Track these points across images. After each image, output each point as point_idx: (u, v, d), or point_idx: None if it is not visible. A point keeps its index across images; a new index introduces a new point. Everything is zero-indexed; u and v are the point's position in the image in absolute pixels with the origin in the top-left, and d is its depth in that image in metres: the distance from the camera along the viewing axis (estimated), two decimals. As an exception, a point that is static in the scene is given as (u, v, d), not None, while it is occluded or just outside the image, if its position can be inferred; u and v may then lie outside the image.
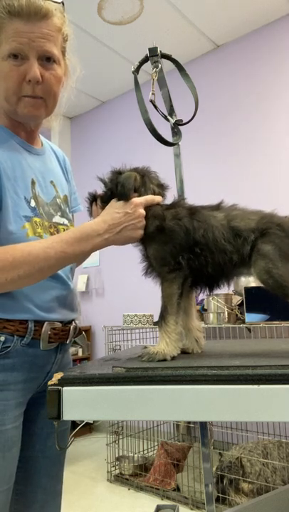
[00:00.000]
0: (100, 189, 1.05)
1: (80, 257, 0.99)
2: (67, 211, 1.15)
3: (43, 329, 1.00)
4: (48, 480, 1.09)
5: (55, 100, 1.04)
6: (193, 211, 0.96)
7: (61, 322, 1.06)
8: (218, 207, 0.98)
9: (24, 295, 0.96)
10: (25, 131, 1.07)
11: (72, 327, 1.11)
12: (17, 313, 0.96)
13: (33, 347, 0.99)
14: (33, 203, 1.01)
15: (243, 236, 0.90)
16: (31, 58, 0.94)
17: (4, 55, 0.94)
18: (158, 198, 1.00)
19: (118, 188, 0.97)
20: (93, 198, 1.05)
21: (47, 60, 0.97)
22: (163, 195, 1.04)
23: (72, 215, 1.23)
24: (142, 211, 0.96)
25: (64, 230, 1.08)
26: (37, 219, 1.01)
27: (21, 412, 0.99)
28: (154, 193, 1.01)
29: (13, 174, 0.98)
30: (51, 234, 1.04)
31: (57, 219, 1.09)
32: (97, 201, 1.04)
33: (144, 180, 1.01)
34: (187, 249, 0.93)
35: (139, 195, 0.99)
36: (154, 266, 0.96)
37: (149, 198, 0.98)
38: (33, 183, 1.03)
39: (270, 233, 0.89)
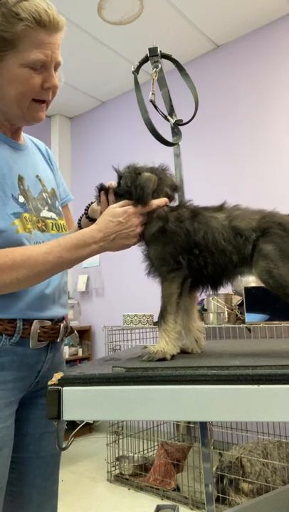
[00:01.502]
0: (100, 187, 1.05)
1: (75, 263, 1.01)
2: (56, 204, 1.16)
3: (32, 328, 1.00)
4: (44, 481, 1.09)
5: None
6: (196, 213, 0.96)
7: (51, 320, 1.06)
8: (220, 208, 0.98)
9: (12, 293, 0.96)
10: (11, 130, 1.08)
11: (62, 325, 1.10)
12: (5, 312, 0.96)
13: (23, 346, 0.99)
14: (21, 199, 1.02)
15: (244, 236, 0.90)
16: (51, 68, 0.98)
17: (26, 62, 0.95)
18: (157, 202, 0.99)
19: (137, 190, 0.97)
20: (105, 189, 1.05)
21: (55, 68, 1.01)
22: (172, 197, 1.04)
23: (67, 206, 1.26)
24: (136, 220, 0.97)
25: (52, 224, 1.10)
26: (26, 214, 1.02)
27: (12, 411, 0.99)
28: (167, 195, 1.02)
29: (0, 172, 0.99)
30: (39, 228, 1.05)
31: (44, 213, 1.10)
32: (109, 193, 1.04)
33: (159, 183, 1.01)
34: (187, 251, 0.93)
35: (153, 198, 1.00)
36: (155, 266, 0.97)
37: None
38: (20, 178, 1.04)
39: (270, 233, 0.89)
